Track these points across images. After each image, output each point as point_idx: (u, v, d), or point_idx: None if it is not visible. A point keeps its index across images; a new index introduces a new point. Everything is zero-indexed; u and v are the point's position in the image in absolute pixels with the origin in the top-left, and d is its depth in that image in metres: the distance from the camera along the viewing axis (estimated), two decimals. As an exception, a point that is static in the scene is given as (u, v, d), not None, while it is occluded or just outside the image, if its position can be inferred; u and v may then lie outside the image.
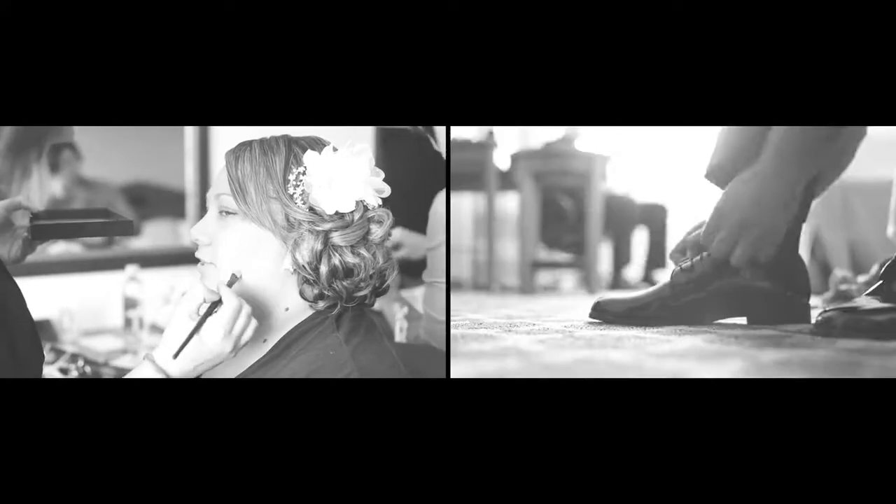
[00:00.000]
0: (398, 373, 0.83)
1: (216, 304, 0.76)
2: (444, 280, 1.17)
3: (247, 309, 0.77)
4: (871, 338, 0.95)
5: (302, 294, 0.80)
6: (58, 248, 1.83)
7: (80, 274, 1.85)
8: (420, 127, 1.22)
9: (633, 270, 3.88)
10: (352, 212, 0.79)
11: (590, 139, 3.73)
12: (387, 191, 0.82)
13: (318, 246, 0.78)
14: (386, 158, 2.09)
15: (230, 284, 0.78)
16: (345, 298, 0.80)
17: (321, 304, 0.80)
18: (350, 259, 0.79)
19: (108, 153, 1.86)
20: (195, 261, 0.82)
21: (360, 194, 0.79)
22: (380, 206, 0.82)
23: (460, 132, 3.41)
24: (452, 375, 0.72)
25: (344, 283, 0.79)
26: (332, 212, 0.78)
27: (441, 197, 1.19)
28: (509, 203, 4.01)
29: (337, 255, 0.79)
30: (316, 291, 0.79)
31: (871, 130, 1.23)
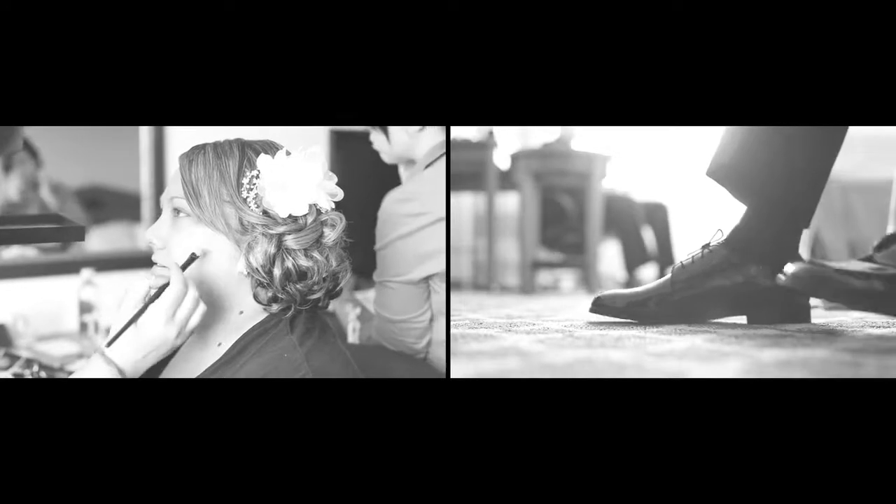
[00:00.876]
0: (352, 373, 0.83)
1: (162, 289, 0.76)
2: (393, 279, 1.19)
3: (193, 293, 0.76)
4: (840, 301, 0.92)
5: (256, 297, 0.81)
6: (11, 252, 1.80)
7: (34, 278, 1.82)
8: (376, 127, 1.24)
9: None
10: (305, 215, 0.80)
11: (587, 139, 3.73)
12: (340, 194, 0.83)
13: (272, 249, 0.78)
14: (339, 161, 2.09)
15: (187, 264, 0.78)
16: (298, 301, 0.80)
17: (275, 307, 0.81)
18: (303, 262, 0.79)
19: (62, 155, 1.83)
20: (151, 264, 0.82)
21: (314, 198, 0.80)
22: (333, 209, 0.82)
23: (460, 132, 3.41)
24: (452, 375, 0.72)
25: (297, 287, 0.80)
26: (285, 215, 0.79)
27: (389, 197, 1.20)
28: (509, 203, 4.01)
29: (290, 258, 0.79)
30: (270, 294, 0.80)
31: (872, 130, 1.22)
